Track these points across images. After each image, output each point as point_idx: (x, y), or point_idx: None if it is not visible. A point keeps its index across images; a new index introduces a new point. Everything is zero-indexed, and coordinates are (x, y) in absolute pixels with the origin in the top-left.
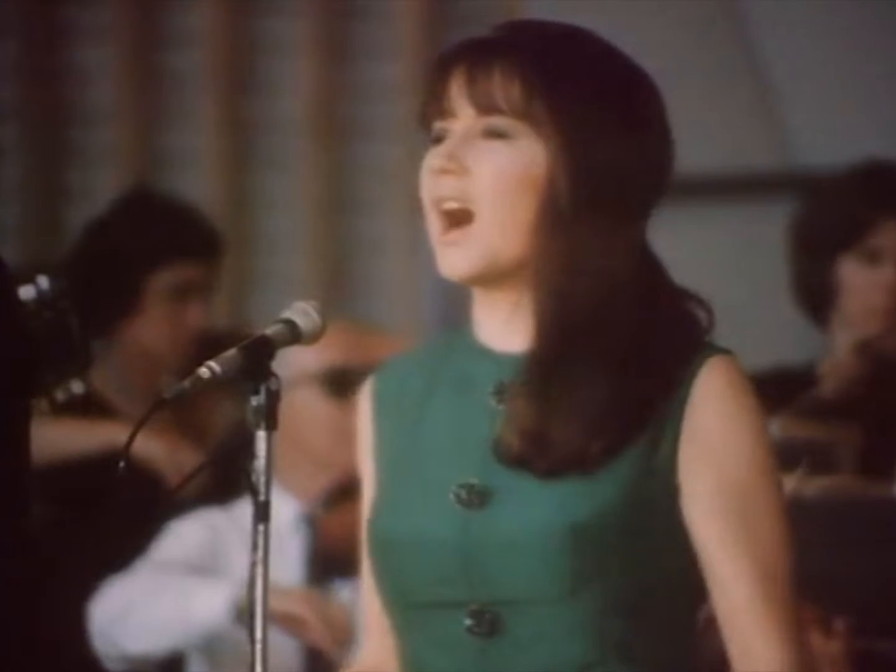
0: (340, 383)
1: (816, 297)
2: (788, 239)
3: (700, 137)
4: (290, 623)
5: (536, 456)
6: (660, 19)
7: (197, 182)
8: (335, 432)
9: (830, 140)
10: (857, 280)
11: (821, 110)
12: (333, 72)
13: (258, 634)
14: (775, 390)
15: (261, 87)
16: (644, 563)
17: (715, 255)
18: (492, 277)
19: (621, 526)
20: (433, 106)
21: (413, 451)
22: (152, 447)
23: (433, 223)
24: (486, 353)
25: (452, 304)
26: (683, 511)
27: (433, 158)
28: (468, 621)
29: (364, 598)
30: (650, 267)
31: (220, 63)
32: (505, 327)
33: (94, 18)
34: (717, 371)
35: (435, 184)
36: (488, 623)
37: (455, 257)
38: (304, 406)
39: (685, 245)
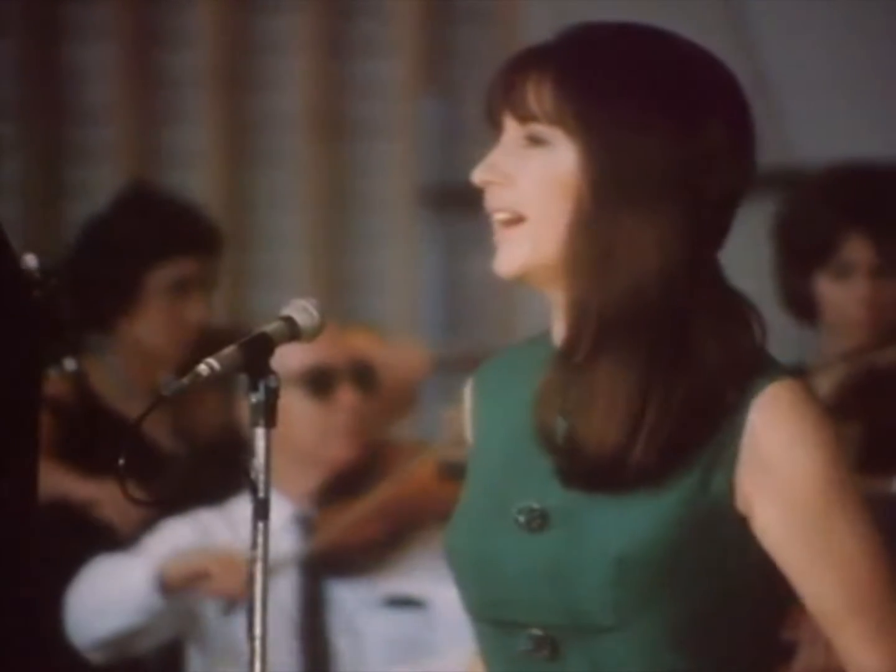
0: (321, 382)
1: (801, 309)
2: (771, 251)
3: None
4: (194, 579)
5: (571, 464)
6: (659, 20)
7: (197, 179)
8: (318, 431)
9: (827, 137)
10: (833, 296)
11: (817, 108)
12: (332, 69)
13: (257, 630)
14: None
15: (260, 85)
16: (698, 591)
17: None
18: (540, 277)
19: (672, 556)
20: (489, 121)
21: (488, 462)
22: (97, 491)
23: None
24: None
25: (452, 302)
26: (759, 539)
27: (477, 171)
28: (529, 644)
29: None
30: (701, 267)
31: (220, 61)
32: None
33: (94, 16)
34: (776, 398)
35: (487, 195)
36: (548, 648)
37: (505, 254)
38: (287, 405)
39: None
